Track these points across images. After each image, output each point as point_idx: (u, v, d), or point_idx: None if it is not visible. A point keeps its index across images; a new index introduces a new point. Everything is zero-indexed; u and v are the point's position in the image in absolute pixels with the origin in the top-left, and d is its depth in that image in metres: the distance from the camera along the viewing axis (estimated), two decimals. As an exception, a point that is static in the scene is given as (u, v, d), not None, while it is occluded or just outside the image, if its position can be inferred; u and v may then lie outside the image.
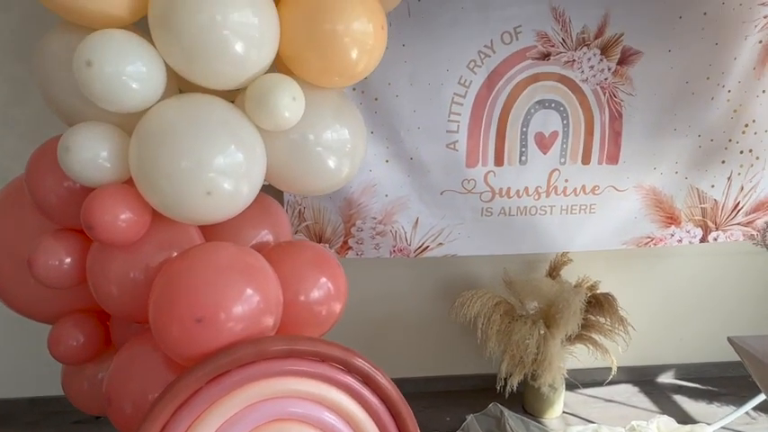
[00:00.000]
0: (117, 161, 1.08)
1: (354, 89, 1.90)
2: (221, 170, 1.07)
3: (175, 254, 1.18)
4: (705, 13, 1.92)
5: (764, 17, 1.93)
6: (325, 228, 2.03)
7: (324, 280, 1.32)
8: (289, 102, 1.10)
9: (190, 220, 1.14)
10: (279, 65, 1.24)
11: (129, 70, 0.99)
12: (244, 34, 1.05)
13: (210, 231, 1.32)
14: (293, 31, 1.14)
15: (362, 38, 1.16)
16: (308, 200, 1.99)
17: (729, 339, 1.52)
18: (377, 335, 2.32)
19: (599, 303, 2.10)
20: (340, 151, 1.32)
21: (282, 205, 1.96)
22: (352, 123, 1.34)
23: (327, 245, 2.05)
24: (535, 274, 2.38)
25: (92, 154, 1.06)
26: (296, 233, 2.02)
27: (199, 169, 1.04)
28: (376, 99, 1.91)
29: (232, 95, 1.22)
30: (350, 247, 2.06)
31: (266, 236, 1.45)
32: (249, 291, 1.07)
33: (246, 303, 1.05)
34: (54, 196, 1.21)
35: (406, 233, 2.06)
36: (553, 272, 2.32)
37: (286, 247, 1.34)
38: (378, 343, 2.33)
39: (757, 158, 2.09)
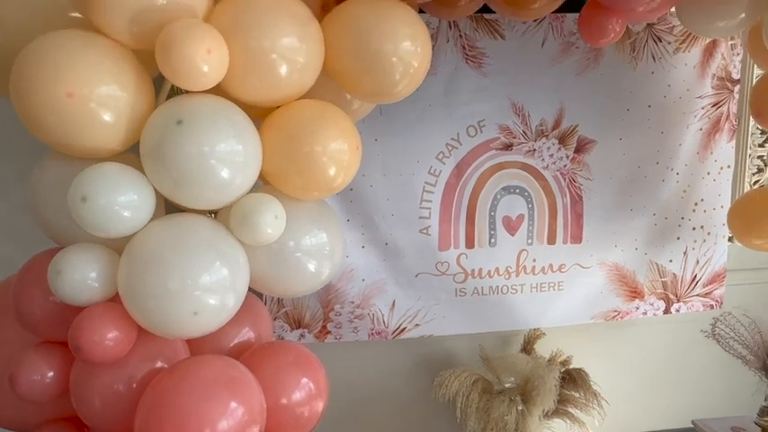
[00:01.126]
0: (105, 281, 1.13)
1: (331, 180, 2.00)
2: (207, 288, 1.12)
3: (160, 364, 1.20)
4: (650, 106, 2.12)
5: (702, 108, 2.14)
6: (304, 313, 2.07)
7: (305, 380, 1.35)
8: (271, 220, 1.17)
9: (177, 337, 1.18)
10: (260, 177, 1.32)
11: (121, 200, 1.05)
12: (229, 161, 1.13)
13: (193, 334, 1.35)
14: (275, 153, 1.23)
15: (339, 156, 1.26)
16: (288, 287, 2.03)
17: (693, 423, 1.59)
18: (356, 417, 2.32)
19: (572, 379, 2.16)
20: (319, 254, 1.39)
21: (261, 293, 2.00)
22: (330, 226, 1.42)
23: (306, 330, 2.08)
24: (510, 350, 2.44)
25: (82, 276, 1.10)
26: (275, 319, 2.05)
27: (185, 290, 1.09)
28: (351, 189, 2.01)
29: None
30: (329, 332, 2.09)
31: (247, 333, 1.48)
32: (234, 404, 1.10)
33: (232, 418, 1.08)
34: (39, 310, 1.23)
35: (383, 316, 2.11)
36: (527, 346, 2.38)
37: (267, 349, 1.37)
38: (358, 425, 2.32)
39: (709, 234, 2.24)
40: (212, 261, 1.14)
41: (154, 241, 1.12)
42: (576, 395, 2.18)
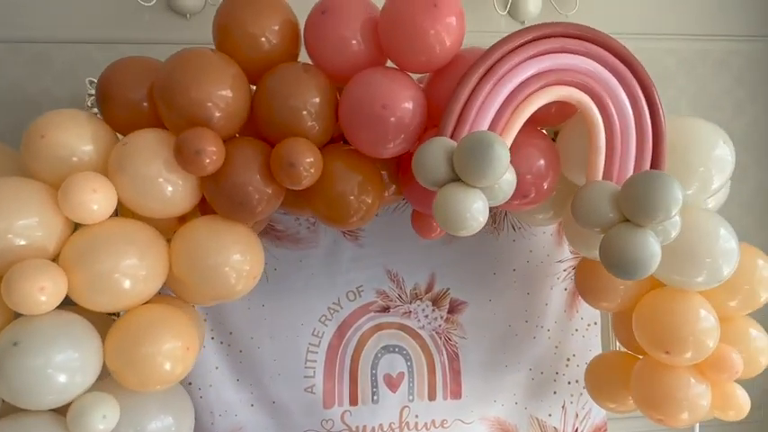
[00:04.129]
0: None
1: (222, 342, 2.19)
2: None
3: None
4: (514, 270, 2.36)
5: (564, 270, 2.38)
6: (192, 473, 2.15)
7: None
8: (99, 420, 1.35)
9: None
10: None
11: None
12: (66, 368, 1.34)
13: None
14: (115, 354, 1.44)
15: (174, 353, 1.47)
16: (177, 446, 2.14)
17: None
18: None
19: None
20: (165, 435, 1.56)
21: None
22: (177, 406, 1.61)
23: (194, 490, 2.15)
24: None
25: None
26: (164, 479, 2.14)
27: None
28: (240, 351, 2.20)
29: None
30: (216, 492, 2.16)
31: None
32: None
33: None
34: None
35: (271, 474, 2.20)
36: (423, 500, 2.42)
37: None
38: None
39: (585, 387, 2.37)
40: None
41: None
42: None
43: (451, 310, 2.33)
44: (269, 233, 2.25)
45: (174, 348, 1.47)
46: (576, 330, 2.40)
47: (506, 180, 1.33)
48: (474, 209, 1.27)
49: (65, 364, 1.34)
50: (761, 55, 2.85)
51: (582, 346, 2.38)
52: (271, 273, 2.23)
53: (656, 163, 1.46)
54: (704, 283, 1.66)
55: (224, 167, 1.45)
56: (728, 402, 1.79)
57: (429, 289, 2.33)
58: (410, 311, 2.31)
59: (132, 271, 1.45)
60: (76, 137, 1.45)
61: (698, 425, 1.97)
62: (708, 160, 1.57)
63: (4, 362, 1.28)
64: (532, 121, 1.67)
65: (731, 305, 1.79)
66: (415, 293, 2.32)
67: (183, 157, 1.35)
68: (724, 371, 1.70)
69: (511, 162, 1.39)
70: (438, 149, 1.29)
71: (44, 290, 1.28)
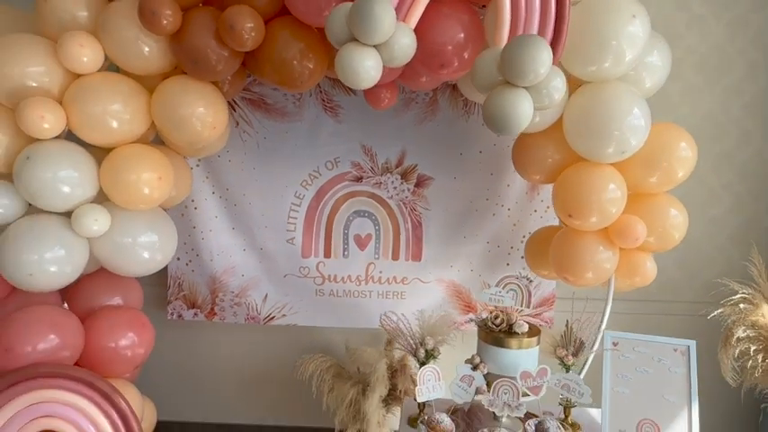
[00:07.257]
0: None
1: (221, 197, 2.62)
2: (47, 261, 1.78)
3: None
4: (480, 152, 2.55)
5: (529, 155, 2.52)
6: (197, 297, 2.68)
7: (131, 334, 1.99)
8: (92, 222, 1.81)
9: (25, 288, 1.83)
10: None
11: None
12: (68, 182, 1.79)
13: (73, 294, 2.04)
14: (106, 177, 1.87)
15: (150, 181, 1.88)
16: (186, 275, 2.67)
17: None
18: (239, 387, 2.88)
19: (400, 369, 2.60)
20: (152, 248, 2.02)
21: (167, 277, 2.66)
22: (161, 229, 2.06)
23: (198, 310, 2.69)
24: (378, 345, 2.91)
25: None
26: (176, 300, 2.69)
27: (31, 261, 1.76)
28: (235, 205, 2.61)
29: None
30: (215, 313, 2.69)
31: (116, 300, 2.15)
32: (51, 336, 1.75)
33: (47, 342, 1.73)
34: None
35: (257, 305, 2.68)
36: (389, 344, 2.84)
37: (108, 310, 2.02)
38: (241, 393, 2.88)
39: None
40: (53, 245, 1.80)
41: (18, 230, 1.80)
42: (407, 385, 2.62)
43: (418, 184, 2.59)
44: (261, 107, 2.58)
45: (150, 177, 1.88)
46: (535, 211, 2.58)
47: (404, 43, 1.52)
48: (367, 65, 1.49)
49: (67, 179, 1.79)
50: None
51: (539, 225, 2.56)
52: (261, 141, 2.58)
53: (555, 39, 1.57)
54: (614, 154, 1.80)
55: (183, 31, 1.74)
56: (635, 269, 1.97)
57: (399, 164, 2.58)
58: (380, 182, 2.60)
59: (118, 115, 1.83)
60: (72, 2, 1.79)
61: (612, 290, 2.15)
62: (620, 35, 1.64)
63: (21, 172, 1.74)
64: (464, -2, 1.80)
65: (651, 181, 1.91)
66: (386, 167, 2.58)
67: (144, 16, 1.66)
68: (627, 236, 1.87)
69: (416, 31, 1.58)
70: (340, 13, 1.49)
71: (44, 118, 1.70)
